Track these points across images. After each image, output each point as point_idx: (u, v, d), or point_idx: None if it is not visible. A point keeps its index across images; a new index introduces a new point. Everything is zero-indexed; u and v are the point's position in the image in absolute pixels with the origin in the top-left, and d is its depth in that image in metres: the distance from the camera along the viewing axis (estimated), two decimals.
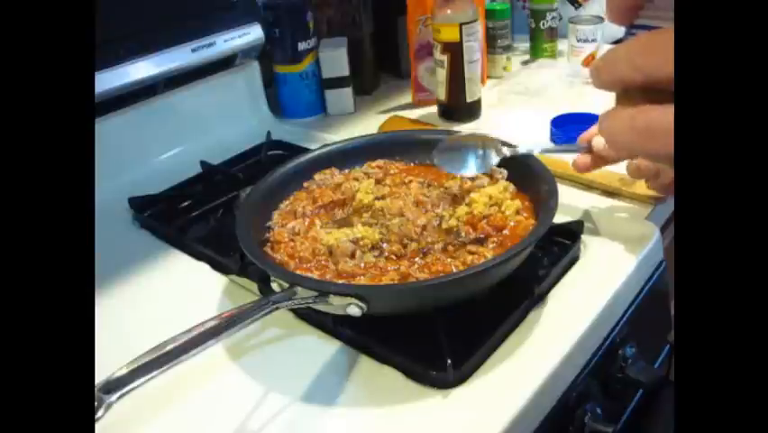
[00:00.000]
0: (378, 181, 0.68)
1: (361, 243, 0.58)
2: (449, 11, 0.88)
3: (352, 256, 0.57)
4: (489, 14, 1.05)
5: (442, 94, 0.94)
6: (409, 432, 0.46)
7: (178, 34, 0.86)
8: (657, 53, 0.35)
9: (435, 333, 0.51)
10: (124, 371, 0.40)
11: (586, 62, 1.03)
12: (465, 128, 0.91)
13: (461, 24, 0.88)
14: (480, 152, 0.62)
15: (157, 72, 0.85)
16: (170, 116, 0.89)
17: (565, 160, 0.78)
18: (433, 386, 0.49)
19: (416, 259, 0.57)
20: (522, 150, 0.63)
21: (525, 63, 1.15)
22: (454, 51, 0.89)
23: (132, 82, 0.82)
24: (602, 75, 0.38)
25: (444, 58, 0.90)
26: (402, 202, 0.63)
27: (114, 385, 0.39)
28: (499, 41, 1.08)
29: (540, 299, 0.57)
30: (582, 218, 0.64)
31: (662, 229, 0.66)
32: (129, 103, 0.84)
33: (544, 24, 1.10)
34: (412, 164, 0.73)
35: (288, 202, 0.67)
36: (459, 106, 0.94)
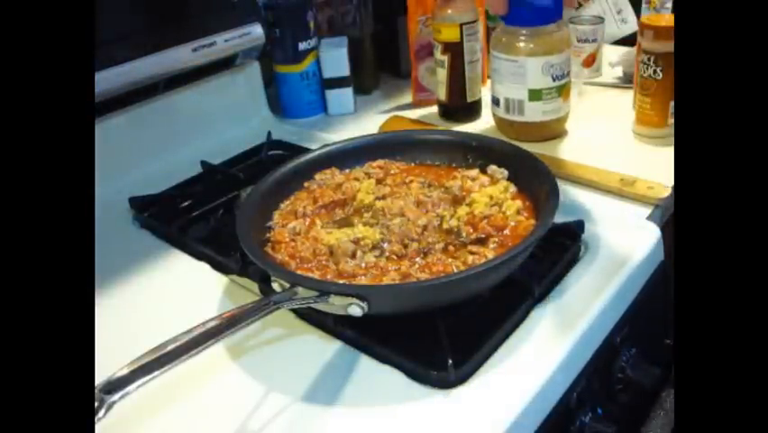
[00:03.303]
0: (378, 181, 0.68)
1: (362, 243, 0.58)
2: (449, 11, 0.88)
3: (353, 256, 0.57)
4: (490, 15, 1.05)
5: (442, 94, 0.94)
6: (410, 432, 0.46)
7: (178, 34, 0.86)
8: None
9: (436, 333, 0.51)
10: (125, 371, 0.40)
11: (586, 62, 1.03)
12: (466, 128, 0.91)
13: (461, 24, 0.88)
14: None
15: (157, 72, 0.85)
16: (171, 116, 0.89)
17: (566, 160, 0.78)
18: (434, 386, 0.49)
19: (417, 259, 0.57)
20: None
21: None
22: (455, 51, 0.89)
23: (132, 82, 0.82)
24: None
25: (445, 58, 0.90)
26: (403, 202, 0.63)
27: (115, 385, 0.39)
28: None
29: (540, 299, 0.57)
30: (582, 218, 0.64)
31: (663, 229, 0.66)
32: (129, 103, 0.84)
33: None
34: (413, 164, 0.73)
35: (288, 202, 0.67)
36: (459, 106, 0.94)
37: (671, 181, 0.70)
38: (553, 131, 0.86)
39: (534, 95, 0.82)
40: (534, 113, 0.83)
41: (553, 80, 0.81)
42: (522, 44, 0.81)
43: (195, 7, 0.89)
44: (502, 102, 0.85)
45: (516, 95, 0.83)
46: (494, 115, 0.88)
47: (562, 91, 0.83)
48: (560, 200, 0.57)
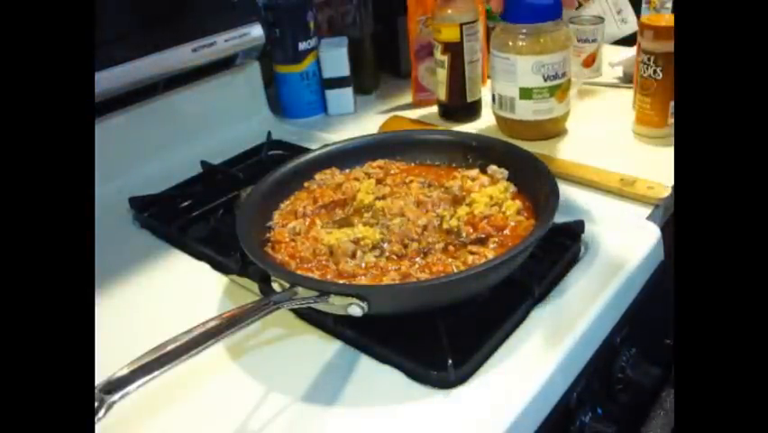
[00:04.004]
0: (378, 181, 0.68)
1: (362, 243, 0.58)
2: (449, 11, 0.88)
3: (353, 256, 0.57)
4: (490, 14, 1.05)
5: (442, 94, 0.94)
6: (410, 432, 0.46)
7: (178, 34, 0.86)
8: None
9: (436, 333, 0.51)
10: (125, 371, 0.40)
11: (586, 62, 1.03)
12: (466, 128, 0.91)
13: (461, 24, 0.88)
14: None
15: (157, 72, 0.85)
16: (170, 116, 0.89)
17: (566, 160, 0.78)
18: (434, 386, 0.49)
19: (417, 259, 0.57)
20: None
21: None
22: (455, 51, 0.89)
23: (132, 82, 0.82)
24: None
25: (445, 58, 0.90)
26: (403, 202, 0.63)
27: (115, 385, 0.39)
28: None
29: (540, 299, 0.57)
30: (582, 218, 0.64)
31: (663, 229, 0.66)
32: (129, 103, 0.84)
33: None
34: (413, 164, 0.73)
35: (288, 202, 0.67)
36: (459, 106, 0.94)
37: (671, 181, 0.70)
38: (546, 131, 0.85)
39: (525, 93, 0.82)
40: (525, 111, 0.83)
41: (545, 80, 0.81)
42: (513, 42, 0.81)
43: (195, 7, 0.89)
44: (497, 98, 0.86)
45: (508, 92, 0.83)
46: (493, 111, 0.89)
47: (556, 92, 0.82)
48: (560, 200, 0.57)
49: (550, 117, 0.84)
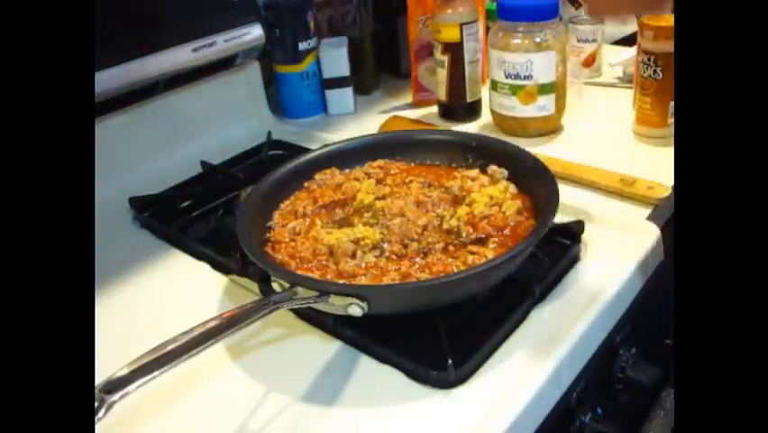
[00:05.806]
0: (378, 181, 0.68)
1: (362, 243, 0.58)
2: (449, 11, 0.88)
3: (353, 256, 0.57)
4: (490, 14, 1.05)
5: (442, 94, 0.94)
6: (410, 432, 0.46)
7: (178, 34, 0.86)
8: None
9: (436, 333, 0.51)
10: (125, 371, 0.40)
11: (586, 62, 1.03)
12: (466, 128, 0.91)
13: (461, 24, 0.88)
14: None
15: (157, 72, 0.85)
16: (170, 116, 0.89)
17: (566, 160, 0.78)
18: (434, 386, 0.49)
19: (417, 259, 0.57)
20: None
21: None
22: (455, 51, 0.90)
23: (132, 82, 0.82)
24: None
25: (445, 58, 0.90)
26: (403, 202, 0.63)
27: (115, 385, 0.39)
28: None
29: (540, 299, 0.57)
30: (582, 218, 0.64)
31: (663, 229, 0.66)
32: (129, 103, 0.84)
33: None
34: (413, 164, 0.73)
35: (288, 202, 0.67)
36: (459, 106, 0.94)
37: (671, 181, 0.70)
38: (512, 128, 0.87)
39: (494, 85, 0.86)
40: (494, 102, 0.87)
41: (506, 77, 0.84)
42: (493, 36, 0.85)
43: (194, 7, 0.89)
44: None
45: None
46: None
47: (518, 92, 0.84)
48: (560, 200, 0.57)
49: (513, 115, 0.86)
